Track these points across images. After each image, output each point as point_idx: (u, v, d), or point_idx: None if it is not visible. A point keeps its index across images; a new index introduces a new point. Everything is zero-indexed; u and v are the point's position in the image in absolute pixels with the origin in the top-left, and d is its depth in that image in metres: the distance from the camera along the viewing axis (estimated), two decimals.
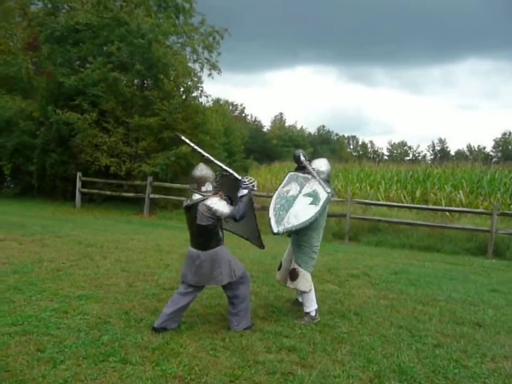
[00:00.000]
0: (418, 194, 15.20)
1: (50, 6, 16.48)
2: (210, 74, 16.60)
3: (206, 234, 4.04)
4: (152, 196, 13.67)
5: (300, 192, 4.60)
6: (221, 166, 4.35)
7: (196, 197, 4.04)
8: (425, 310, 5.13)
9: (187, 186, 14.96)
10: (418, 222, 11.12)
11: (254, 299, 5.15)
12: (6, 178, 15.46)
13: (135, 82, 16.02)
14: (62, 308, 4.47)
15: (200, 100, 16.74)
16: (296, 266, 4.60)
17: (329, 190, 4.56)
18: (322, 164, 4.86)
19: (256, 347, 3.80)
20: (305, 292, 4.60)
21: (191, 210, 4.04)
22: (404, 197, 15.09)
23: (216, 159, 4.37)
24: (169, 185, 13.97)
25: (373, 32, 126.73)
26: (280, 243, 9.24)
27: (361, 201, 12.33)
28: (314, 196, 4.56)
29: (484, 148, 73.66)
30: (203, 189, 4.04)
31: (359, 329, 4.40)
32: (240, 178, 4.18)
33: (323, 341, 4.03)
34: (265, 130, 63.41)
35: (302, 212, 4.45)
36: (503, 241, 10.02)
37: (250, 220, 4.48)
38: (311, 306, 4.59)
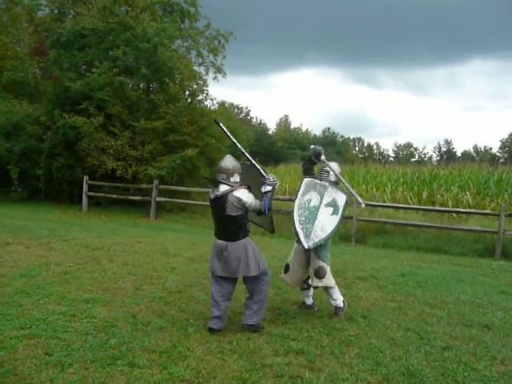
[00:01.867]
0: (424, 195, 15.11)
1: (56, 11, 16.65)
2: (215, 78, 16.67)
3: (235, 224, 4.11)
4: (158, 199, 13.70)
5: (321, 202, 4.68)
6: (250, 161, 4.37)
7: (224, 188, 4.10)
8: (433, 313, 5.09)
9: (193, 189, 14.90)
10: (425, 224, 11.06)
11: None
12: (13, 182, 15.54)
13: (141, 85, 16.10)
14: (70, 311, 4.48)
15: (205, 103, 16.82)
16: (322, 264, 4.66)
17: (353, 193, 4.85)
18: (335, 167, 4.93)
19: (263, 350, 3.79)
20: (332, 287, 4.71)
21: (220, 200, 4.08)
22: (410, 198, 15.00)
23: (247, 152, 4.40)
24: (175, 188, 14.02)
25: (377, 34, 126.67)
26: (286, 246, 9.23)
27: (367, 203, 12.22)
28: (334, 205, 4.68)
29: (490, 149, 73.20)
30: (232, 180, 4.13)
31: (367, 331, 4.38)
32: (265, 175, 4.22)
33: (331, 344, 4.01)
34: (270, 132, 63.49)
35: (326, 224, 4.58)
36: (511, 242, 9.94)
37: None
38: (339, 298, 4.75)
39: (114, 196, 14.66)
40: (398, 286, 6.32)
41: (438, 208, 12.88)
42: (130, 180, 14.57)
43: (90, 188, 14.63)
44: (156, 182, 13.66)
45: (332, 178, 4.83)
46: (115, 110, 14.62)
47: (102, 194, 14.72)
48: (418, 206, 13.33)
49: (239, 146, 4.41)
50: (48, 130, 14.96)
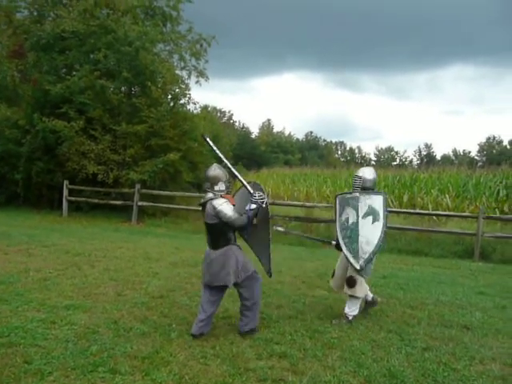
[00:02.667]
0: (405, 198, 15.35)
1: (35, 13, 16.36)
2: (197, 81, 16.61)
3: (214, 232, 4.18)
4: (140, 204, 13.58)
5: (358, 216, 4.66)
6: (237, 177, 4.41)
7: (209, 195, 4.20)
8: (414, 314, 5.17)
9: (176, 193, 14.83)
10: (406, 227, 11.20)
11: None
12: None
13: (122, 89, 15.94)
14: (50, 318, 4.41)
15: (188, 107, 16.74)
16: (353, 274, 4.69)
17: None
18: (368, 172, 4.96)
19: (247, 354, 3.79)
20: (356, 298, 4.74)
21: (203, 208, 4.24)
22: (392, 201, 15.21)
23: (234, 169, 4.43)
24: (157, 192, 13.90)
25: (358, 39, 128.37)
26: (277, 251, 9.25)
27: None
28: (372, 213, 4.64)
29: (469, 152, 74.87)
30: (216, 188, 4.18)
31: (349, 334, 4.42)
32: (252, 191, 4.22)
33: (314, 346, 4.04)
34: (253, 136, 63.61)
35: (370, 235, 4.57)
36: (489, 244, 10.14)
37: (264, 240, 4.48)
38: (354, 310, 4.76)
39: (95, 201, 14.47)
40: (379, 288, 6.39)
41: (418, 211, 13.07)
42: (112, 184, 14.39)
43: (71, 193, 14.41)
44: (138, 186, 13.54)
45: (367, 183, 4.80)
46: (96, 113, 14.45)
47: (83, 199, 14.51)
48: (399, 210, 13.51)
49: (226, 161, 4.39)
50: (27, 133, 14.67)
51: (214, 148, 4.43)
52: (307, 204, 12.66)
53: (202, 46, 16.21)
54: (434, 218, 12.62)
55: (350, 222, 4.66)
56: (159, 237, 10.99)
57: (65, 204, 14.26)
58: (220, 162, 4.48)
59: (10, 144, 14.79)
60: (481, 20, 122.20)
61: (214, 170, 4.23)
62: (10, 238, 8.71)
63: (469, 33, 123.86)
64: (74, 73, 15.08)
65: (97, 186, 14.51)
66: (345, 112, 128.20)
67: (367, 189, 4.81)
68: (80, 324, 4.32)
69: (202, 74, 16.47)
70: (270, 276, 4.62)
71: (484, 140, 75.59)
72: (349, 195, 4.85)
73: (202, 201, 4.25)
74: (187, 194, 14.97)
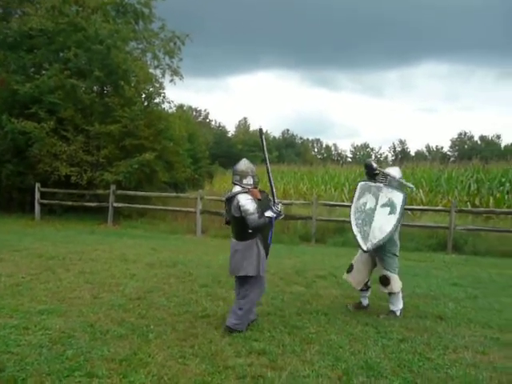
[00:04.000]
0: None
1: (1, 11, 15.91)
2: (171, 80, 16.47)
3: (239, 225, 4.26)
4: (116, 205, 13.37)
5: (377, 203, 4.73)
6: (270, 181, 4.40)
7: (236, 189, 4.29)
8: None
9: (152, 194, 14.68)
10: None
11: (222, 304, 5.14)
12: None
13: (94, 88, 15.67)
14: (23, 324, 4.30)
15: (162, 106, 16.60)
16: (386, 272, 4.81)
17: (411, 186, 5.05)
18: (394, 172, 5.02)
19: (226, 352, 3.79)
20: (395, 293, 4.84)
21: (230, 201, 4.31)
22: None
23: (271, 174, 4.45)
24: (133, 193, 13.72)
25: (333, 37, 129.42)
26: None
27: (326, 202, 12.52)
28: (390, 205, 4.72)
29: (442, 148, 76.53)
30: (244, 181, 4.30)
31: (327, 328, 4.47)
32: (276, 201, 4.34)
33: (292, 342, 4.06)
34: (229, 135, 63.41)
35: (384, 224, 4.64)
36: (461, 236, 10.41)
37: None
38: (398, 305, 4.87)
39: (69, 203, 14.17)
40: None
41: None
42: (86, 186, 14.14)
43: (43, 195, 14.06)
44: (113, 187, 13.33)
45: (393, 183, 4.86)
46: (67, 113, 14.15)
47: (56, 202, 14.20)
48: None
49: (268, 164, 4.39)
50: None
51: (264, 146, 4.45)
52: (284, 201, 12.68)
53: (175, 44, 16.08)
54: (409, 212, 12.84)
55: (368, 207, 4.74)
56: (136, 238, 10.85)
57: (37, 207, 13.91)
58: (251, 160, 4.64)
59: None
60: (452, 18, 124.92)
61: (245, 164, 4.36)
62: None
63: (441, 31, 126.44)
64: (44, 72, 14.70)
65: (70, 188, 14.21)
66: (321, 110, 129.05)
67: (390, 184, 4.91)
68: (55, 329, 4.22)
69: (176, 72, 16.34)
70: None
71: (456, 136, 77.47)
72: (373, 184, 4.91)
73: (230, 194, 4.32)
74: (164, 194, 14.85)
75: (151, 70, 16.02)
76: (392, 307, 4.88)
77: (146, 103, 15.89)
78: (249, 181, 4.30)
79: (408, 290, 6.05)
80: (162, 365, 3.53)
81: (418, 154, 70.87)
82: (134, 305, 5.06)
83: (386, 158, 73.99)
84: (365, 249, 4.56)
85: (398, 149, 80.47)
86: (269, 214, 4.22)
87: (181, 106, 32.31)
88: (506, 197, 13.57)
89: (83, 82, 14.58)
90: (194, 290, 5.81)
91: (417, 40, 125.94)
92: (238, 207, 4.18)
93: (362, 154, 78.82)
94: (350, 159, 74.04)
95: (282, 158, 48.71)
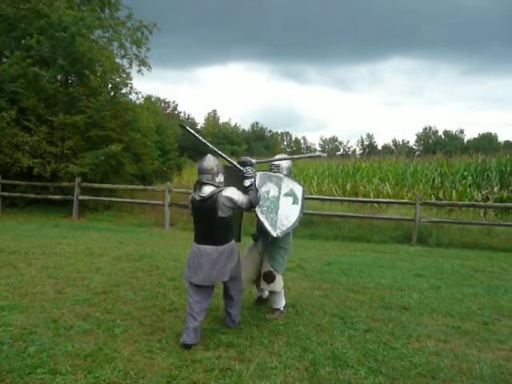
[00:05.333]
0: (348, 187, 15.82)
1: None
2: (139, 71, 16.15)
3: (224, 227, 3.95)
4: (81, 198, 13.03)
5: (280, 193, 4.57)
6: (225, 158, 4.26)
7: (210, 189, 3.92)
8: (356, 298, 5.37)
9: (119, 186, 14.35)
10: (349, 214, 11.59)
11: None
12: None
13: (58, 77, 15.14)
14: None
15: (130, 97, 16.25)
16: (271, 269, 4.59)
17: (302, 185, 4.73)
18: (285, 163, 4.86)
19: (193, 346, 3.76)
20: (277, 292, 4.66)
21: (207, 202, 3.88)
22: (336, 190, 15.64)
23: (220, 151, 4.33)
24: (98, 185, 13.40)
25: (302, 31, 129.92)
26: None
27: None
28: (292, 195, 4.61)
29: (408, 142, 78.42)
30: (217, 180, 3.99)
31: (295, 320, 4.51)
32: (241, 168, 4.16)
33: (260, 334, 4.08)
34: (198, 127, 62.81)
35: (289, 213, 4.49)
36: (426, 229, 10.72)
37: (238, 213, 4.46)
38: (281, 303, 4.70)
39: (32, 196, 13.71)
40: (324, 274, 6.58)
41: (360, 199, 13.53)
42: (49, 178, 13.70)
43: (4, 188, 13.53)
44: (78, 179, 12.99)
45: (284, 171, 4.75)
46: (30, 103, 13.65)
47: (18, 194, 13.70)
48: (342, 198, 13.91)
49: (212, 146, 4.30)
50: None
51: (196, 135, 4.31)
52: None
53: (143, 33, 15.76)
54: (376, 205, 13.14)
55: (271, 195, 4.53)
56: (102, 231, 10.63)
57: None
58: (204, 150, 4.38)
59: None
60: (417, 14, 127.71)
61: (214, 162, 4.01)
62: None
63: (406, 26, 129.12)
64: (4, 60, 14.12)
65: (33, 180, 13.76)
66: (290, 103, 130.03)
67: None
68: (16, 325, 4.08)
69: (143, 62, 16.05)
70: (239, 241, 4.54)
71: (421, 130, 79.53)
72: (273, 174, 4.73)
73: (205, 195, 3.90)
74: (130, 186, 14.59)
75: (118, 60, 15.66)
76: (275, 305, 4.70)
77: (112, 93, 15.52)
78: (220, 178, 4.01)
79: (374, 282, 6.21)
80: (129, 359, 3.47)
81: (385, 147, 72.37)
82: (99, 299, 4.96)
83: (354, 151, 75.30)
84: (275, 235, 4.32)
85: (366, 143, 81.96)
86: (247, 182, 4.10)
87: (149, 97, 31.67)
88: (468, 190, 14.05)
89: (46, 70, 14.07)
90: (161, 283, 5.74)
91: (384, 34, 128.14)
92: (232, 204, 3.91)
93: (331, 148, 79.86)
94: (319, 152, 74.79)
95: (251, 151, 48.69)
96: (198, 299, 3.93)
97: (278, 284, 4.62)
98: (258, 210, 4.31)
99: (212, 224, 3.92)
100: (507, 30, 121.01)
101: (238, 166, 4.26)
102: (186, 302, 3.99)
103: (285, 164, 4.81)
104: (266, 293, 4.99)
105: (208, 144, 4.40)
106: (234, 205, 3.94)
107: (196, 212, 4.00)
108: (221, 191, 3.90)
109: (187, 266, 4.01)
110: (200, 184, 3.98)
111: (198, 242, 4.00)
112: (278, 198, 4.53)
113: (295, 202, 4.58)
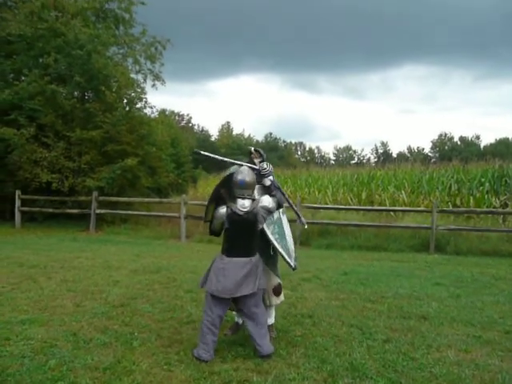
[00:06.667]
0: (363, 195, 15.71)
1: None
2: (153, 85, 16.45)
3: (257, 236, 3.95)
4: (98, 211, 13.23)
5: (279, 211, 4.26)
6: (243, 164, 4.13)
7: (249, 202, 3.88)
8: (374, 308, 5.31)
9: (135, 199, 14.46)
10: (365, 223, 11.51)
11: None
12: None
13: (75, 94, 15.51)
14: (3, 335, 4.20)
15: (144, 111, 16.54)
16: (280, 281, 4.36)
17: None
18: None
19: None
20: (277, 304, 4.39)
21: (249, 216, 3.84)
22: (351, 199, 15.54)
23: (232, 159, 4.32)
24: (115, 199, 13.60)
25: (312, 41, 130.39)
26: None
27: (310, 205, 12.58)
28: (284, 212, 4.38)
29: (423, 149, 77.63)
30: (254, 193, 3.98)
31: (312, 331, 4.48)
32: (258, 167, 4.11)
33: (278, 345, 4.06)
34: (212, 139, 63.32)
35: (290, 234, 4.31)
36: (443, 236, 10.57)
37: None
38: (273, 316, 4.40)
39: (50, 210, 13.98)
40: (341, 284, 6.53)
41: (376, 207, 13.44)
42: (67, 193, 13.98)
43: (24, 203, 13.83)
44: (95, 193, 13.20)
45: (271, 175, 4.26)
46: (48, 119, 13.99)
47: (37, 209, 13.99)
48: (357, 207, 13.83)
49: (228, 159, 4.28)
50: None
51: (211, 156, 4.32)
52: None
53: (156, 49, 16.07)
54: (392, 213, 13.01)
55: (275, 216, 4.21)
56: (119, 244, 10.75)
57: (17, 215, 13.68)
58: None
59: None
60: (428, 20, 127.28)
61: (252, 175, 3.95)
62: None
63: (416, 33, 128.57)
64: (23, 78, 14.55)
65: (51, 194, 14.03)
66: (303, 113, 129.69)
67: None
68: (37, 338, 4.14)
69: (157, 77, 16.32)
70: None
71: (436, 137, 78.75)
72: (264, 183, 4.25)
73: (248, 209, 3.84)
74: (146, 199, 14.75)
75: (133, 75, 15.98)
76: (272, 320, 4.33)
77: (127, 108, 15.80)
78: (255, 191, 3.99)
79: (392, 291, 6.13)
80: (147, 372, 3.49)
81: (400, 155, 71.70)
82: (117, 312, 5.00)
83: (369, 160, 74.82)
84: (293, 267, 4.09)
85: (380, 151, 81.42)
86: (268, 181, 4.08)
87: (163, 111, 32.13)
88: (486, 196, 13.81)
89: (63, 87, 14.44)
90: (178, 295, 5.76)
91: (397, 41, 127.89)
92: (266, 215, 3.90)
93: (345, 157, 79.52)
94: (333, 162, 74.61)
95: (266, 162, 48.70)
96: (220, 313, 3.90)
97: (282, 295, 4.41)
98: (271, 237, 4.04)
99: (251, 237, 3.91)
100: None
101: (255, 166, 4.13)
102: (204, 316, 3.91)
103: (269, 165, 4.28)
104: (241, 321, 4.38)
105: (225, 159, 4.33)
106: (269, 213, 3.94)
107: (235, 226, 3.87)
108: (258, 203, 3.90)
109: (213, 280, 3.88)
110: (237, 198, 3.91)
111: (231, 254, 3.90)
112: (280, 219, 4.28)
113: (286, 220, 4.32)
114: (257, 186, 4.05)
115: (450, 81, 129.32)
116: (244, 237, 3.90)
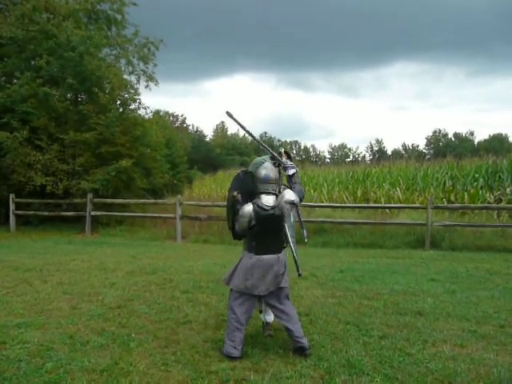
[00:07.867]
0: (359, 193, 15.76)
1: None
2: (147, 86, 16.42)
3: (283, 232, 3.93)
4: (93, 213, 13.19)
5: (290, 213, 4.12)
6: (268, 150, 4.08)
7: (273, 197, 3.89)
8: (370, 304, 5.33)
9: (130, 201, 14.44)
10: (361, 221, 11.55)
11: (203, 310, 5.12)
12: None
13: (68, 96, 15.46)
14: (0, 339, 4.19)
15: (138, 112, 16.51)
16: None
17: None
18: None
19: (208, 358, 3.77)
20: None
21: (275, 211, 3.82)
22: (346, 197, 15.59)
23: (261, 141, 4.20)
24: (111, 201, 13.57)
25: (306, 40, 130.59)
26: (228, 252, 9.27)
27: (305, 204, 12.58)
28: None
29: (417, 146, 78.08)
30: (278, 188, 3.97)
31: (309, 328, 4.49)
32: (282, 160, 4.06)
33: (275, 344, 4.07)
34: (207, 139, 63.25)
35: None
36: (438, 232, 10.63)
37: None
38: (272, 317, 4.37)
39: (45, 213, 13.92)
40: (337, 282, 6.55)
41: (371, 205, 13.47)
42: (62, 195, 13.92)
43: (18, 206, 13.77)
44: (90, 195, 13.15)
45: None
46: (41, 122, 13.92)
47: (32, 212, 13.93)
48: (353, 205, 13.87)
49: (254, 136, 4.18)
50: None
51: (242, 125, 4.11)
52: None
53: (149, 49, 16.03)
54: (387, 210, 13.06)
55: (292, 220, 4.21)
56: (115, 246, 10.72)
57: (12, 218, 13.61)
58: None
59: None
60: (420, 18, 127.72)
61: (276, 170, 3.96)
62: None
63: (408, 30, 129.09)
64: (15, 81, 14.46)
65: (46, 197, 13.99)
66: (298, 111, 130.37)
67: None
68: (33, 342, 4.13)
69: (151, 78, 16.29)
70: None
71: (430, 133, 79.13)
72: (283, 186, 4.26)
73: (275, 204, 3.83)
74: (142, 200, 14.74)
75: (126, 76, 15.94)
76: (270, 318, 4.37)
77: (121, 110, 15.76)
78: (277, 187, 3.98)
79: (388, 288, 6.16)
80: (144, 373, 3.49)
81: (395, 152, 71.98)
82: (114, 314, 4.99)
83: (364, 157, 75.02)
84: (301, 274, 4.09)
85: (375, 148, 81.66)
86: (291, 171, 4.04)
87: (157, 112, 32.07)
88: (480, 192, 13.89)
89: (56, 89, 14.39)
90: (175, 296, 5.76)
91: (389, 39, 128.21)
92: (292, 207, 3.88)
93: (340, 155, 79.68)
94: (328, 160, 74.78)
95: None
96: (246, 311, 3.92)
97: None
98: (291, 240, 4.00)
99: (278, 232, 3.91)
100: (509, 29, 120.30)
101: (279, 157, 4.07)
102: (230, 314, 3.92)
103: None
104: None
105: (254, 136, 4.20)
106: (293, 206, 3.91)
107: (263, 222, 3.81)
108: (282, 198, 3.86)
109: (240, 277, 3.87)
110: (260, 193, 3.90)
111: (260, 252, 3.86)
112: (293, 224, 4.25)
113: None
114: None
115: (443, 78, 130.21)
116: (272, 233, 3.89)
